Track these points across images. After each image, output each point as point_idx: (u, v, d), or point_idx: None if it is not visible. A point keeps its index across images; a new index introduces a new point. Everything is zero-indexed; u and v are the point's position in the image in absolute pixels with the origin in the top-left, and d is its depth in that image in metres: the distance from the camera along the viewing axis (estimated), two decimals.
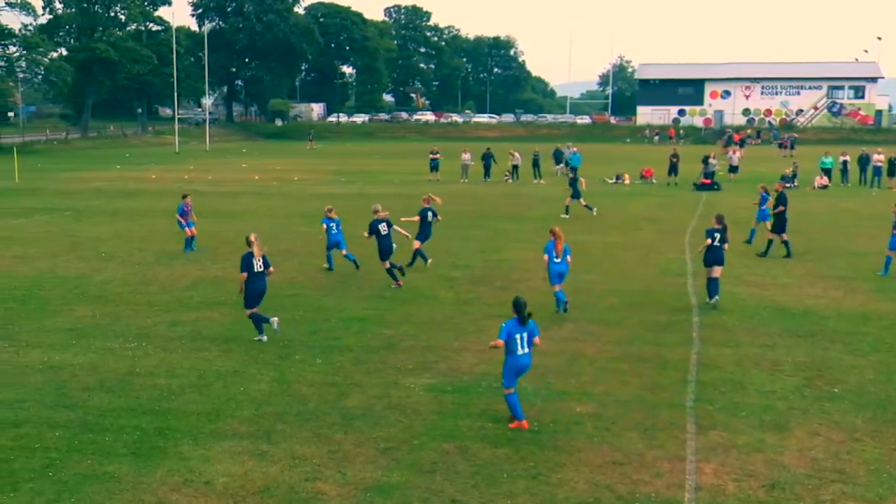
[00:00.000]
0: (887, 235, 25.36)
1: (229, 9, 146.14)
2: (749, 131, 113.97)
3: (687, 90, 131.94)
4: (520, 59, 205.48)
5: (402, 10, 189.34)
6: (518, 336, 13.12)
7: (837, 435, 12.88)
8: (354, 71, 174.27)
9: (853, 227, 34.64)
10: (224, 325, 18.97)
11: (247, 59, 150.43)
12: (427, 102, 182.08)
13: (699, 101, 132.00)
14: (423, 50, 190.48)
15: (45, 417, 13.45)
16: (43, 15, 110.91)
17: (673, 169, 53.87)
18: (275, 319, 17.81)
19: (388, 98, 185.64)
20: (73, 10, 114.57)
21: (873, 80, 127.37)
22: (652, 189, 51.53)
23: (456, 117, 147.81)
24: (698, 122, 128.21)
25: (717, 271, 20.92)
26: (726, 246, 20.99)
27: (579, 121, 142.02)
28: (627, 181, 54.99)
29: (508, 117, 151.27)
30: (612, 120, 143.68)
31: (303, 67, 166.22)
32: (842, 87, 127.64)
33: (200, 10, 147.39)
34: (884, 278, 24.24)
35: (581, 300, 21.37)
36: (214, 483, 11.24)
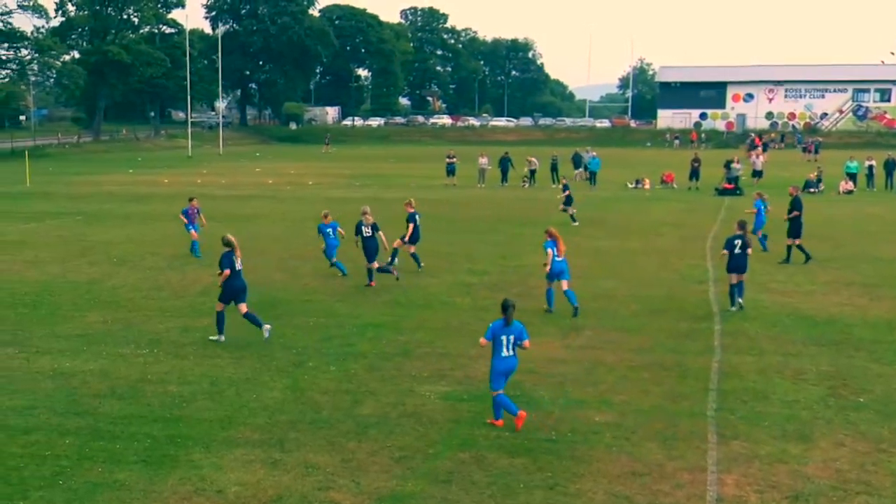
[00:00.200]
0: None
1: (243, 11, 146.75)
2: (772, 135, 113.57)
3: (709, 93, 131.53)
4: (538, 62, 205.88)
5: (419, 13, 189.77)
6: (504, 337, 13.27)
7: (863, 446, 12.79)
8: (370, 74, 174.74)
9: (879, 233, 34.46)
10: (236, 332, 18.95)
11: (261, 62, 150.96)
12: (444, 106, 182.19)
13: (721, 105, 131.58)
14: (439, 52, 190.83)
15: (56, 424, 13.49)
16: (55, 17, 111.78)
17: (694, 173, 53.73)
18: (267, 327, 18.11)
19: (404, 101, 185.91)
20: (86, 12, 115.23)
21: None
22: (673, 194, 51.40)
23: (473, 121, 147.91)
24: (720, 125, 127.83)
25: (735, 278, 21.08)
26: (750, 251, 21.02)
27: (598, 124, 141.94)
28: (648, 186, 54.87)
29: (526, 121, 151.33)
30: (632, 123, 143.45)
31: (317, 70, 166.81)
32: (867, 90, 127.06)
33: (214, 13, 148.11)
34: None
35: (600, 307, 21.34)
36: (226, 492, 11.24)
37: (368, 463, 12.08)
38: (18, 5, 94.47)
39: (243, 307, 18.28)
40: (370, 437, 12.96)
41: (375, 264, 23.81)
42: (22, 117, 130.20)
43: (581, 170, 60.31)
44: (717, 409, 14.22)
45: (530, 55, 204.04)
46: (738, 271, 20.98)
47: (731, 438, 12.98)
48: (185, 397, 14.70)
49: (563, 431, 13.22)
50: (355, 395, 14.82)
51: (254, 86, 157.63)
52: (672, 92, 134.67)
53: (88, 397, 14.71)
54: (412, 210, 26.31)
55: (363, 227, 23.70)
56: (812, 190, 50.77)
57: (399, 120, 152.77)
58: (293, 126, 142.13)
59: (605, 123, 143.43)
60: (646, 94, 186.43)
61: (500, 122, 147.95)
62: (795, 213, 27.69)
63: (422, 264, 26.19)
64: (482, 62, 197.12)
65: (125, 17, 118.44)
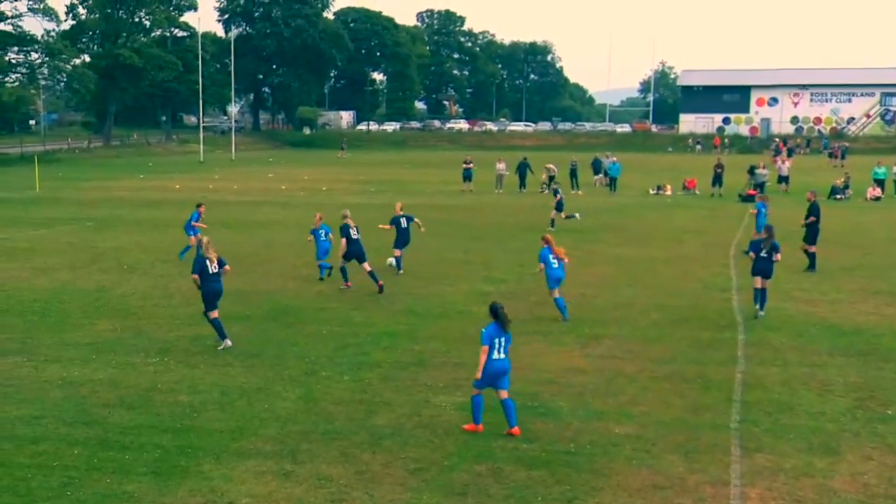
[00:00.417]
0: None
1: (257, 14, 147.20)
2: (798, 140, 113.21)
3: (732, 97, 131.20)
4: (557, 66, 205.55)
5: (435, 15, 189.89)
6: (497, 340, 13.41)
7: (891, 459, 12.71)
8: (385, 78, 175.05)
9: None
10: (248, 340, 19.02)
11: (274, 66, 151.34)
12: (460, 110, 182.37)
13: (745, 109, 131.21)
14: (456, 56, 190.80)
15: (64, 434, 13.54)
16: (66, 21, 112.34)
17: (717, 179, 53.56)
18: (227, 342, 18.40)
19: (420, 106, 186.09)
20: (97, 15, 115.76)
21: None
22: (695, 200, 51.26)
23: (490, 126, 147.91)
24: (744, 130, 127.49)
25: (759, 282, 21.24)
26: (777, 256, 21.19)
27: (619, 129, 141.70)
28: (669, 192, 54.75)
29: (545, 126, 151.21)
30: (654, 128, 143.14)
31: (332, 74, 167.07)
32: (895, 94, 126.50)
33: (227, 16, 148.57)
34: None
35: (621, 315, 21.30)
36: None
37: (382, 475, 12.08)
38: (29, 9, 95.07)
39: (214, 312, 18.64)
40: (384, 449, 12.96)
41: (367, 266, 24.14)
42: (32, 122, 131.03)
43: (601, 175, 60.21)
44: (740, 421, 14.16)
45: (549, 58, 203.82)
46: (763, 275, 21.19)
47: (754, 451, 12.92)
48: (195, 407, 14.73)
49: (582, 443, 13.18)
50: (369, 405, 14.82)
51: (267, 90, 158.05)
52: (694, 96, 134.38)
53: (97, 407, 14.76)
54: (400, 213, 26.91)
55: (350, 230, 24.09)
56: (839, 196, 50.58)
57: (415, 125, 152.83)
58: (307, 131, 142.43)
59: (626, 128, 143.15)
60: (667, 98, 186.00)
61: (518, 126, 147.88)
62: (812, 218, 27.65)
63: (401, 271, 26.78)
64: (500, 66, 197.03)
65: (137, 20, 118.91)
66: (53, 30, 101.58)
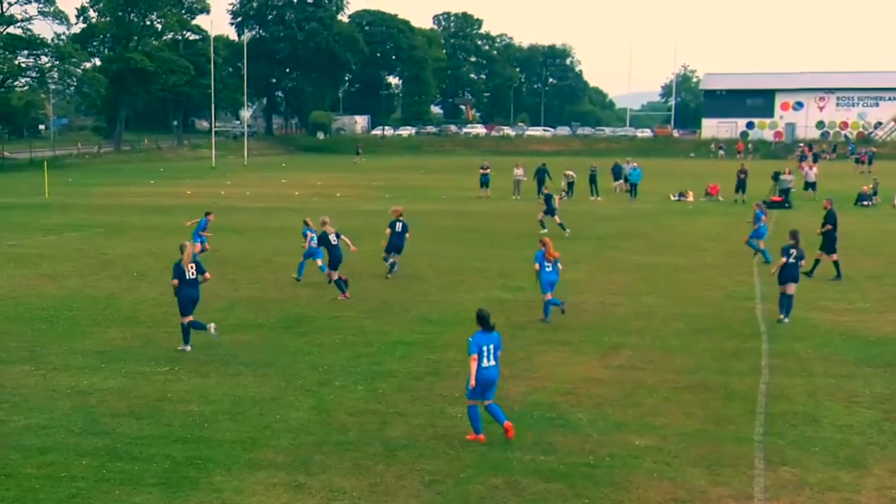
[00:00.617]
0: None
1: (270, 17, 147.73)
2: (824, 145, 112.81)
3: (756, 101, 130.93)
4: (576, 69, 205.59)
5: (452, 18, 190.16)
6: (485, 348, 13.51)
7: None
8: (401, 81, 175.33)
9: None
10: (260, 349, 19.05)
11: (288, 70, 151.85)
12: (477, 115, 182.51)
13: (769, 113, 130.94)
14: (473, 59, 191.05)
15: (73, 445, 13.57)
16: (76, 24, 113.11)
17: (741, 185, 53.39)
18: (212, 325, 18.93)
19: (436, 110, 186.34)
20: (108, 18, 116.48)
21: None
22: (718, 207, 51.11)
23: (508, 130, 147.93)
24: (768, 135, 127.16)
25: (791, 288, 21.45)
26: (802, 263, 21.34)
27: (640, 134, 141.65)
28: (691, 198, 54.61)
29: (564, 130, 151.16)
30: (676, 133, 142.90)
31: (346, 78, 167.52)
32: None
33: (240, 19, 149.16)
34: None
35: (642, 325, 21.25)
36: None
37: (397, 487, 12.06)
38: (39, 12, 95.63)
39: (187, 318, 18.96)
40: (399, 461, 12.94)
41: (336, 274, 24.49)
42: (41, 126, 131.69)
43: (621, 181, 60.11)
44: (764, 433, 14.09)
45: (568, 62, 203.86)
46: (791, 281, 21.45)
47: (779, 464, 12.85)
48: (206, 417, 14.75)
49: (602, 455, 13.14)
50: (384, 416, 14.81)
51: (280, 94, 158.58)
52: (717, 100, 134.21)
53: (106, 417, 14.80)
54: (396, 217, 27.45)
55: (329, 237, 24.49)
56: (866, 203, 50.36)
57: (431, 129, 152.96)
58: (321, 136, 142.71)
59: (647, 133, 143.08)
60: (689, 102, 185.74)
61: (537, 131, 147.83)
62: (828, 226, 27.62)
63: (390, 275, 27.38)
64: (518, 69, 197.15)
65: (148, 23, 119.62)
66: (64, 33, 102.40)
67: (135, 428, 14.26)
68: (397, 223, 27.35)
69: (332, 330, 20.74)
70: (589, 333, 20.40)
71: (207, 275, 19.21)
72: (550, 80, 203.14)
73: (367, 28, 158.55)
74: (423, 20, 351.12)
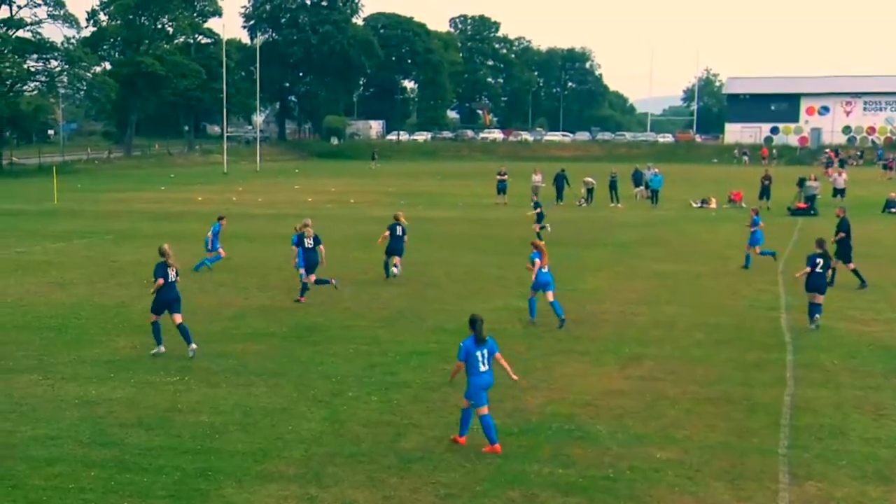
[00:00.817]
0: None
1: (283, 20, 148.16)
2: (850, 151, 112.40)
3: (780, 106, 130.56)
4: (596, 73, 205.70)
5: (469, 21, 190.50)
6: (479, 354, 13.73)
7: None
8: (416, 86, 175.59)
9: None
10: (271, 359, 19.07)
11: (301, 74, 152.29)
12: (495, 119, 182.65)
13: (794, 118, 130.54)
14: (490, 63, 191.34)
15: (81, 456, 13.60)
16: (86, 27, 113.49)
17: (765, 192, 53.27)
18: (193, 347, 19.15)
19: (452, 115, 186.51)
20: (119, 22, 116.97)
21: None
22: (741, 214, 50.84)
23: (526, 135, 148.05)
24: (793, 140, 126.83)
25: (819, 298, 21.61)
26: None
27: (661, 139, 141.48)
28: (714, 205, 54.49)
29: (583, 135, 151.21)
30: (698, 138, 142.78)
31: (361, 82, 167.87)
32: None
33: (252, 22, 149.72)
34: None
35: (663, 335, 21.19)
36: None
37: (411, 500, 12.05)
38: (49, 15, 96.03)
39: (178, 317, 19.37)
40: (413, 473, 12.92)
41: (313, 277, 25.03)
42: (51, 132, 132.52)
43: (642, 188, 60.04)
44: (789, 446, 14.03)
45: (588, 65, 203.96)
46: (820, 290, 21.60)
47: (804, 479, 12.79)
48: (216, 428, 14.76)
49: (622, 469, 13.09)
50: (398, 427, 14.80)
51: (293, 98, 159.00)
52: (741, 104, 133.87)
53: (115, 427, 14.83)
54: (396, 220, 28.48)
55: (305, 240, 24.96)
56: (894, 210, 50.13)
57: (447, 134, 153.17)
58: (334, 141, 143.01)
59: (668, 138, 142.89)
60: (712, 106, 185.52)
61: (556, 136, 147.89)
62: (841, 234, 27.65)
63: (393, 275, 28.51)
64: (536, 73, 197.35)
65: (159, 26, 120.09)
66: (74, 37, 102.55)
67: (144, 439, 14.28)
68: (397, 227, 28.32)
69: (346, 339, 20.75)
70: (609, 343, 20.36)
71: (178, 277, 19.85)
72: (569, 83, 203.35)
73: (382, 31, 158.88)
74: (439, 23, 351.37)
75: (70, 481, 12.65)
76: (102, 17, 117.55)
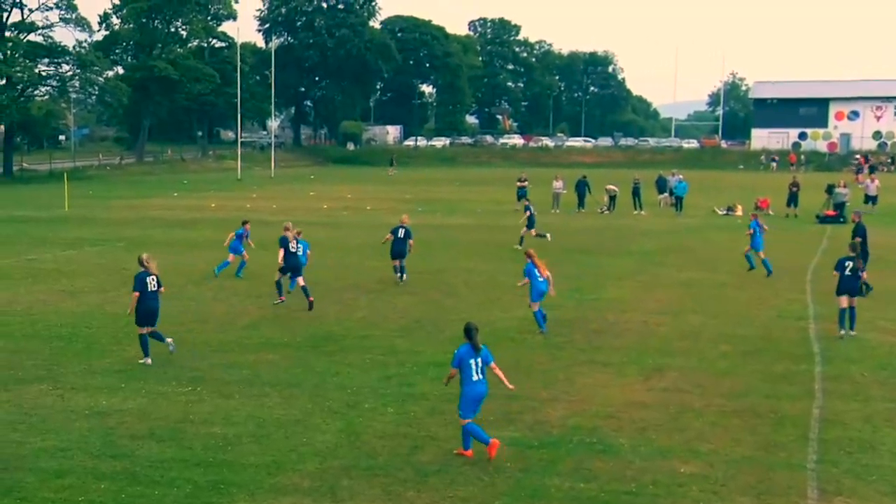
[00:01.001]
0: None
1: (299, 23, 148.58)
2: (881, 157, 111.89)
3: (809, 110, 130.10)
4: (619, 77, 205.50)
5: (489, 24, 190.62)
6: (472, 362, 13.97)
7: None
8: (435, 90, 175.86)
9: None
10: (286, 369, 19.09)
11: (317, 78, 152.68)
12: (515, 125, 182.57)
13: (823, 123, 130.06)
14: (511, 67, 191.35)
15: (91, 468, 13.63)
16: (99, 31, 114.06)
17: (793, 199, 53.09)
18: (170, 340, 19.85)
19: (471, 120, 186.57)
20: (131, 25, 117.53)
21: None
22: (769, 221, 50.60)
23: (547, 141, 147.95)
24: (822, 146, 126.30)
25: (844, 301, 21.67)
26: (864, 275, 21.87)
27: (686, 145, 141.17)
28: (740, 213, 54.28)
29: (606, 141, 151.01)
30: (724, 144, 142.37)
31: (378, 86, 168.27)
32: None
33: (268, 25, 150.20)
34: None
35: (687, 345, 21.12)
36: None
37: None
38: (61, 18, 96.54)
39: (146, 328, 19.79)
40: (430, 487, 12.91)
41: (301, 280, 25.67)
42: (62, 137, 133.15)
43: (666, 195, 59.88)
44: (817, 460, 13.95)
45: (610, 70, 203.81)
46: (850, 294, 21.68)
47: (833, 494, 12.72)
48: (229, 440, 14.78)
49: (645, 483, 13.05)
50: (415, 439, 14.79)
51: (309, 103, 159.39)
52: (768, 109, 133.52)
53: (126, 438, 14.86)
54: (400, 224, 29.59)
55: (289, 243, 25.62)
56: None
57: (466, 140, 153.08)
58: (351, 146, 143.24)
59: (693, 144, 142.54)
60: (738, 111, 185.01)
61: (577, 142, 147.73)
62: (857, 239, 27.59)
63: (402, 279, 29.41)
64: (557, 77, 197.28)
65: (173, 30, 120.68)
66: (86, 40, 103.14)
67: (155, 450, 14.31)
68: (400, 229, 29.28)
69: (362, 349, 20.75)
70: (632, 354, 20.31)
71: (163, 288, 20.31)
72: (591, 88, 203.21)
73: (399, 35, 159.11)
74: (458, 26, 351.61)
75: (79, 494, 12.68)
76: (115, 20, 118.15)
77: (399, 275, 29.46)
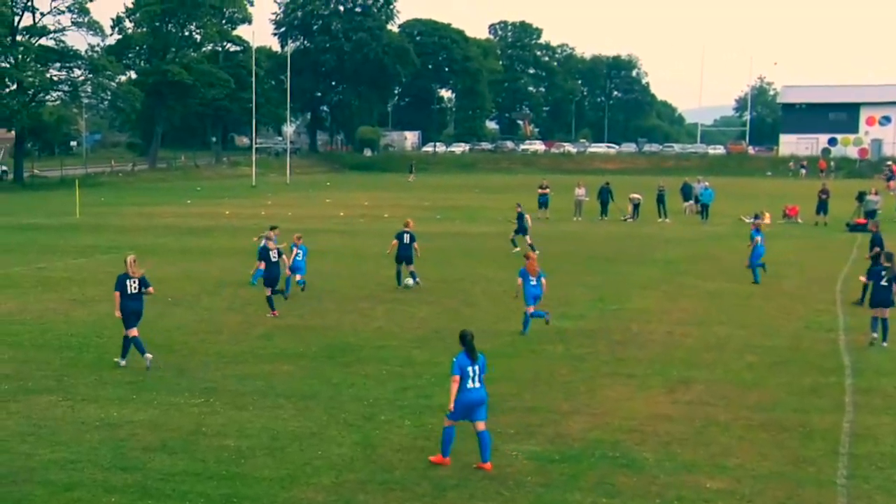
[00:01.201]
0: None
1: (315, 27, 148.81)
2: None
3: (839, 115, 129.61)
4: (643, 81, 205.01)
5: (509, 27, 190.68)
6: (469, 369, 14.05)
7: None
8: (454, 95, 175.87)
9: None
10: (301, 380, 19.11)
11: (333, 83, 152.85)
12: (536, 130, 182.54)
13: (853, 129, 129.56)
14: (532, 71, 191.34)
15: (101, 481, 13.66)
16: (111, 35, 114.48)
17: (822, 207, 52.90)
18: (149, 356, 19.88)
19: (491, 125, 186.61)
20: (145, 29, 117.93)
21: None
22: (797, 230, 50.65)
23: (569, 147, 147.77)
24: (852, 152, 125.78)
25: (883, 312, 21.76)
26: None
27: (712, 151, 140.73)
28: (768, 221, 53.99)
29: (629, 147, 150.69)
30: (751, 150, 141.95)
31: (396, 91, 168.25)
32: None
33: (283, 29, 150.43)
34: None
35: (713, 357, 21.06)
36: None
37: None
38: (73, 22, 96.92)
39: (133, 331, 20.17)
40: (448, 501, 12.90)
41: (269, 291, 26.00)
42: (73, 143, 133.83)
43: (691, 202, 59.75)
44: (848, 476, 13.88)
45: (634, 74, 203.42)
46: (883, 305, 21.73)
47: None
48: (243, 453, 14.79)
49: (670, 499, 13.01)
50: (433, 453, 14.75)
51: (325, 108, 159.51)
52: (796, 114, 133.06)
53: (137, 451, 14.89)
54: (405, 228, 30.27)
55: (269, 253, 26.00)
56: None
57: (486, 146, 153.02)
58: (368, 153, 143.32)
59: (720, 150, 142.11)
60: (766, 116, 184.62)
61: (600, 148, 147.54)
62: (876, 249, 27.72)
63: (414, 283, 30.08)
64: (580, 82, 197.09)
65: (187, 34, 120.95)
66: (98, 45, 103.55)
67: (167, 463, 14.33)
68: (405, 234, 29.90)
69: (378, 360, 20.76)
70: (656, 366, 20.25)
71: (151, 289, 20.62)
72: (615, 93, 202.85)
73: (418, 38, 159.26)
74: (478, 30, 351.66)
75: None
76: (128, 24, 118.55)
77: (398, 280, 30.23)
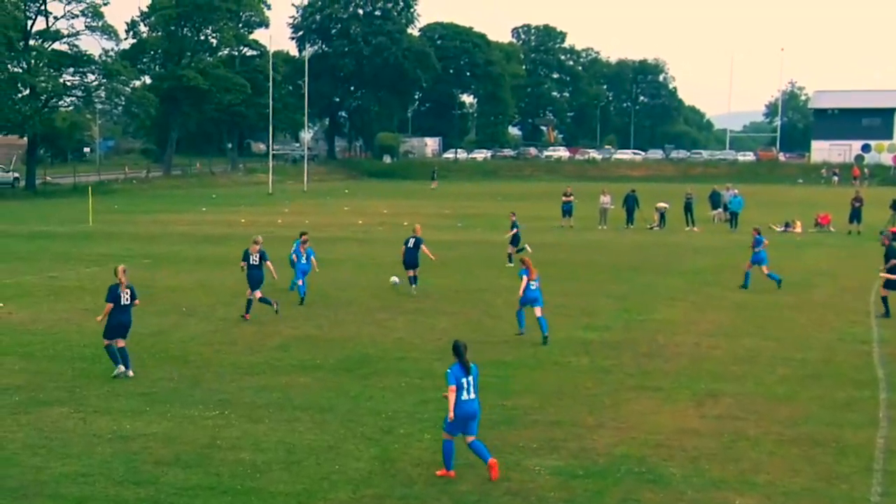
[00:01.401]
0: None
1: (334, 31, 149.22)
2: None
3: (872, 121, 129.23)
4: (670, 86, 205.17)
5: (533, 31, 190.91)
6: (464, 380, 14.28)
7: None
8: (476, 100, 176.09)
9: None
10: (318, 393, 19.11)
11: (352, 88, 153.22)
12: (560, 136, 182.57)
13: (888, 135, 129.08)
14: (556, 76, 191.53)
15: (113, 495, 13.68)
16: (125, 39, 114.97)
17: (855, 215, 52.70)
18: (131, 374, 20.23)
19: (514, 131, 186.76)
20: (160, 33, 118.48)
21: None
22: (830, 239, 50.45)
23: (594, 153, 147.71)
24: (886, 158, 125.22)
25: None
26: None
27: (741, 158, 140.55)
28: (799, 229, 53.96)
29: (656, 154, 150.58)
30: (781, 157, 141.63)
31: (416, 96, 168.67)
32: None
33: (301, 33, 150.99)
34: None
35: (742, 370, 20.97)
36: None
37: None
38: (86, 27, 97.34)
39: (120, 342, 20.45)
40: None
41: (258, 294, 26.71)
42: (87, 149, 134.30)
43: (720, 210, 59.63)
44: (882, 493, 13.80)
45: (661, 78, 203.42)
46: None
47: None
48: (258, 467, 14.80)
49: None
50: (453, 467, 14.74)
51: (344, 114, 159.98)
52: (828, 120, 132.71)
53: (150, 464, 14.91)
54: (413, 234, 31.40)
55: (250, 256, 26.82)
56: None
57: (508, 152, 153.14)
58: (387, 159, 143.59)
59: (749, 157, 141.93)
60: (797, 122, 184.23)
61: (626, 154, 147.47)
62: (893, 261, 27.62)
63: (408, 285, 31.21)
64: (605, 87, 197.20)
65: (202, 38, 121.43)
66: (112, 49, 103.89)
67: (180, 477, 14.35)
68: (411, 239, 31.13)
69: (397, 372, 20.75)
70: (683, 379, 20.18)
71: (137, 301, 20.96)
72: (641, 98, 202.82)
73: (439, 42, 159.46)
74: (500, 33, 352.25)
75: None
76: (143, 28, 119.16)
77: (396, 278, 32.03)
